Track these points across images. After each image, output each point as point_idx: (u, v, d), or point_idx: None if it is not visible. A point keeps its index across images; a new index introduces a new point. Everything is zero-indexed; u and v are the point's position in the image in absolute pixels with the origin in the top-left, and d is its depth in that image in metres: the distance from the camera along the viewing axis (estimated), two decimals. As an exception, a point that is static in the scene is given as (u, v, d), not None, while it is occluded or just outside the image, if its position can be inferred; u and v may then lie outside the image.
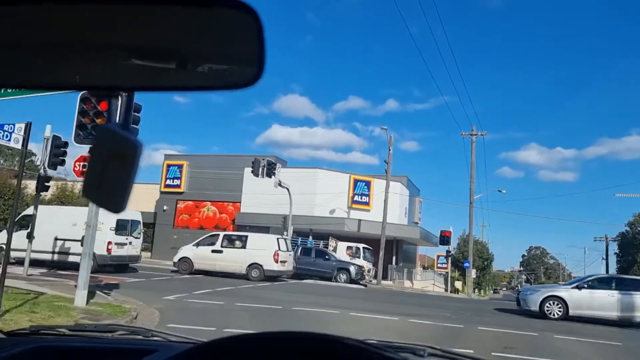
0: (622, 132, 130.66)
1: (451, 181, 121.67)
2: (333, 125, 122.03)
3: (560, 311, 14.30)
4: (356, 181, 35.75)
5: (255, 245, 20.84)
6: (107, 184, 0.76)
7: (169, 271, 22.78)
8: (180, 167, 37.63)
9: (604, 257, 63.62)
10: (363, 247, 30.58)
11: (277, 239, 21.77)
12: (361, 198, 35.62)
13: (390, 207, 32.58)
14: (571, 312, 14.24)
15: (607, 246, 60.84)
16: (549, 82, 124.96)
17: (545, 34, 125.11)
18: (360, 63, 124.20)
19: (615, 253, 65.97)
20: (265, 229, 34.74)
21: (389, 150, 30.57)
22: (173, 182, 37.62)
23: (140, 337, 1.76)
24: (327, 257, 26.86)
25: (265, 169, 27.17)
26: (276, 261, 20.35)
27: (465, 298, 27.85)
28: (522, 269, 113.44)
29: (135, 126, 9.58)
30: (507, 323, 12.63)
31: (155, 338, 1.72)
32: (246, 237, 21.81)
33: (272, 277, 20.45)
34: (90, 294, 11.41)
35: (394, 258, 36.14)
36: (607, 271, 61.40)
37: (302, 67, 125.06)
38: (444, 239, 32.80)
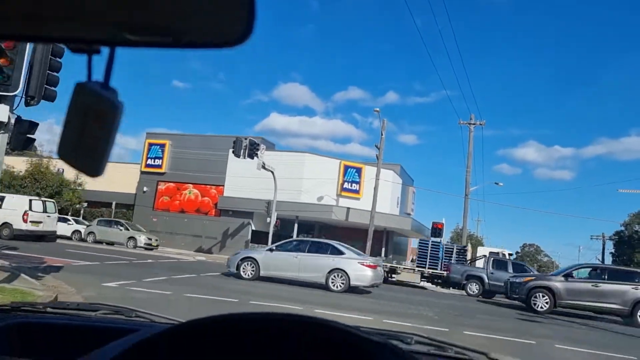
0: (620, 133, 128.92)
1: (448, 177, 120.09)
2: (332, 116, 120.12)
3: (253, 272, 15.39)
4: (346, 167, 33.95)
5: (9, 206, 21.47)
6: (83, 145, 0.71)
7: (136, 255, 21.10)
8: (162, 146, 35.72)
9: (598, 256, 62.34)
10: (509, 254, 26.25)
11: (31, 200, 22.31)
12: (351, 185, 33.87)
13: (381, 196, 30.84)
14: (262, 273, 15.31)
15: (603, 244, 59.51)
16: (550, 79, 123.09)
17: (547, 32, 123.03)
18: (362, 53, 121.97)
19: (611, 253, 64.66)
20: (248, 215, 33.08)
21: (381, 134, 28.74)
22: (154, 161, 35.75)
23: (123, 316, 1.73)
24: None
25: (247, 149, 25.31)
26: (25, 221, 21.08)
27: (455, 294, 26.22)
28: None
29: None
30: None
31: (137, 318, 1.70)
32: (3, 197, 22.46)
33: (22, 235, 20.85)
34: (13, 276, 9.91)
35: (383, 250, 34.46)
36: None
37: (303, 55, 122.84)
38: (436, 231, 31.06)
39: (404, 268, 26.39)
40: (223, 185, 34.09)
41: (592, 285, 15.84)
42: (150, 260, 18.41)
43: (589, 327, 13.50)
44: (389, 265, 25.98)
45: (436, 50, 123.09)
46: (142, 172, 36.13)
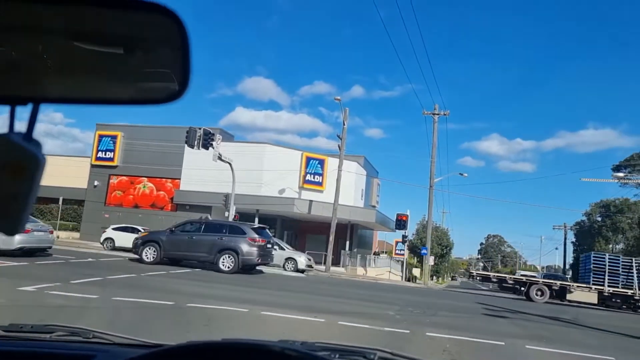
0: (578, 126, 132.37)
1: (414, 170, 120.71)
2: (298, 110, 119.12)
3: None
4: (309, 159, 32.81)
5: None
6: (1, 201, 0.68)
7: (82, 254, 19.47)
8: (114, 138, 33.77)
9: (557, 247, 63.33)
10: None
11: None
12: (314, 177, 32.74)
13: (345, 188, 29.87)
14: None
15: (565, 234, 60.38)
16: (512, 74, 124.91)
17: (510, 27, 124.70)
18: (327, 47, 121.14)
19: (572, 242, 65.78)
20: (206, 209, 31.55)
21: (343, 124, 27.71)
22: (105, 154, 33.78)
23: (80, 338, 1.62)
24: None
25: (201, 139, 23.83)
26: None
27: (420, 287, 25.55)
28: (480, 256, 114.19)
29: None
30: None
31: (95, 340, 1.60)
32: None
33: None
34: None
35: (347, 243, 33.55)
36: (564, 261, 61.10)
37: (267, 48, 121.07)
38: (400, 223, 30.36)
39: (578, 286, 22.60)
40: (179, 179, 32.50)
41: (188, 238, 17.20)
42: (90, 259, 16.86)
43: (559, 323, 12.80)
44: (558, 283, 22.77)
45: (401, 44, 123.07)
46: (93, 166, 34.14)
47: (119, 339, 1.61)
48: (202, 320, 7.93)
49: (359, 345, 1.57)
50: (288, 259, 23.82)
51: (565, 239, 59.39)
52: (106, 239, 26.06)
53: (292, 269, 23.38)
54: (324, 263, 27.67)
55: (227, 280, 14.91)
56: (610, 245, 59.21)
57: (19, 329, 1.72)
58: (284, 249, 24.45)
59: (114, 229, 26.83)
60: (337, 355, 1.42)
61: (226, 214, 28.00)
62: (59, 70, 0.67)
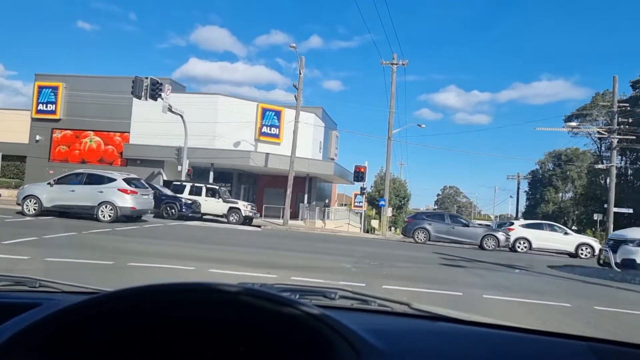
0: (531, 78, 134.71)
1: (372, 122, 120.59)
2: (255, 62, 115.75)
3: None
4: (264, 110, 31.79)
5: None
6: None
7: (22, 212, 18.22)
8: (55, 89, 31.59)
9: (511, 195, 65.33)
10: None
11: None
12: (270, 129, 31.87)
13: (303, 140, 29.18)
14: None
15: (518, 183, 61.95)
16: (468, 24, 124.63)
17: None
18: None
19: (525, 191, 67.87)
20: (159, 163, 30.37)
21: (299, 73, 26.68)
22: (47, 107, 31.66)
23: (26, 287, 1.58)
24: None
25: (148, 89, 22.48)
26: None
27: (378, 238, 25.60)
28: (436, 207, 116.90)
29: None
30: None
31: (42, 289, 1.57)
32: None
33: None
34: None
35: (306, 196, 33.17)
36: (517, 209, 63.15)
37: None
38: (358, 175, 30.11)
39: None
40: (129, 132, 30.97)
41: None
42: (28, 218, 15.75)
43: (514, 269, 12.85)
44: None
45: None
46: (34, 119, 32.04)
47: (67, 287, 1.57)
48: (144, 280, 7.33)
49: (319, 286, 1.63)
50: None
51: (518, 188, 61.08)
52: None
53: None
54: (282, 217, 27.25)
55: (174, 236, 14.25)
56: (560, 194, 61.49)
57: None
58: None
59: (524, 226, 21.41)
60: (297, 296, 1.36)
61: (179, 167, 26.99)
62: None
